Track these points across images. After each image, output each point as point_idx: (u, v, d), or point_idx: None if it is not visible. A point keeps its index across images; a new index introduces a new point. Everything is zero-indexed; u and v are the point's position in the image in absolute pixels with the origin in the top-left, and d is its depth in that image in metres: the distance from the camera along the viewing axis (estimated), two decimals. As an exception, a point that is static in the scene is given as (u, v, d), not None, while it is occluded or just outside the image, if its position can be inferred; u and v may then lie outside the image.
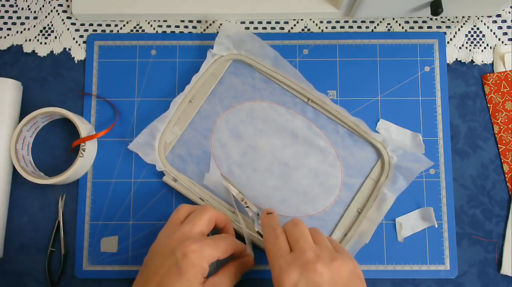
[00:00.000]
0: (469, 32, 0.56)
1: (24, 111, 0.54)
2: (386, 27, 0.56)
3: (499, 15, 0.56)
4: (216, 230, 0.47)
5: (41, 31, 0.56)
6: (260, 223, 0.47)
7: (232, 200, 0.51)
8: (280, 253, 0.39)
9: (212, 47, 0.54)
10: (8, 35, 0.56)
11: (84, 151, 0.50)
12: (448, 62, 0.55)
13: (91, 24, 0.56)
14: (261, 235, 0.47)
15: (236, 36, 0.53)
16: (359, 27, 0.56)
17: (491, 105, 0.55)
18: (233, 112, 0.53)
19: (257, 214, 0.50)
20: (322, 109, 0.53)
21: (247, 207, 0.50)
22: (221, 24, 0.56)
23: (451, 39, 0.56)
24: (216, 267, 0.43)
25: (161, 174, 0.53)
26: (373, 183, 0.52)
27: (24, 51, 0.56)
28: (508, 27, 0.56)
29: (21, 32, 0.56)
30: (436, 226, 0.52)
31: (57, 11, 0.57)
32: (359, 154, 0.53)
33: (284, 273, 0.37)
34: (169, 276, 0.39)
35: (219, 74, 0.54)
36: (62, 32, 0.56)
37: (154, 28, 0.56)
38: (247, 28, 0.56)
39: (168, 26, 0.56)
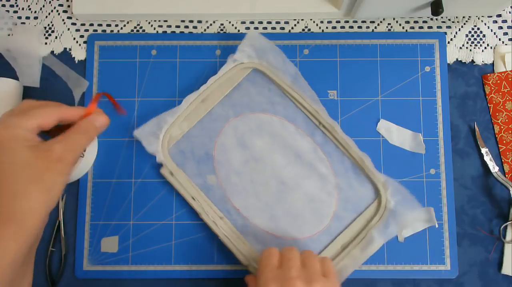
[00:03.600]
0: (470, 32, 0.56)
1: (24, 111, 0.54)
2: (387, 27, 0.56)
3: (499, 15, 0.56)
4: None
5: (41, 31, 0.56)
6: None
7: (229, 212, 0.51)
8: (269, 267, 0.43)
9: (234, 51, 0.53)
10: (8, 35, 0.56)
11: (84, 151, 0.50)
12: (448, 62, 0.55)
13: (91, 24, 0.56)
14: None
15: (259, 45, 0.53)
16: (359, 27, 0.56)
17: (492, 105, 0.55)
18: (243, 120, 0.53)
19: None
20: (331, 136, 0.52)
21: None
22: (221, 25, 0.56)
23: (451, 39, 0.56)
24: None
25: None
26: (365, 222, 0.51)
27: (25, 51, 0.56)
28: (509, 27, 0.56)
29: (22, 32, 0.56)
30: (437, 226, 0.52)
31: (57, 11, 0.57)
32: (358, 189, 0.52)
33: (267, 284, 0.41)
34: None
35: (237, 80, 0.54)
36: (63, 32, 0.56)
37: (154, 28, 0.56)
38: (248, 28, 0.56)
39: (169, 26, 0.56)
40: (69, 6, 0.57)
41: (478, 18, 0.56)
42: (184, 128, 0.53)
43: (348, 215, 0.51)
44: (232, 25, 0.56)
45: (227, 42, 0.56)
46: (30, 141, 0.38)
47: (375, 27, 0.56)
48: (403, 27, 0.56)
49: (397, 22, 0.56)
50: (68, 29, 0.56)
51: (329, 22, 0.56)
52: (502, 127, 0.54)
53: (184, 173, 0.52)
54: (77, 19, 0.56)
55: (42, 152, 0.37)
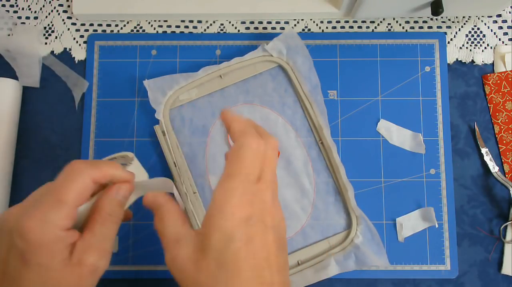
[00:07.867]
0: (470, 32, 0.56)
1: (24, 111, 0.54)
2: (387, 27, 0.56)
3: (499, 15, 0.56)
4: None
5: (41, 31, 0.56)
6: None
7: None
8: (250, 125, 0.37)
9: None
10: (8, 35, 0.56)
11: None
12: (448, 62, 0.55)
13: (91, 24, 0.56)
14: None
15: (293, 45, 0.53)
16: (359, 27, 0.56)
17: (492, 105, 0.55)
18: (250, 109, 0.53)
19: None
20: (326, 156, 0.52)
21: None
22: (221, 25, 0.56)
23: (451, 39, 0.56)
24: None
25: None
26: (328, 247, 0.50)
27: (25, 51, 0.56)
28: (509, 27, 0.56)
29: (22, 32, 0.56)
30: (437, 226, 0.52)
31: (57, 11, 0.57)
32: (332, 214, 0.51)
33: (246, 132, 0.35)
34: (13, 265, 0.32)
35: (259, 70, 0.54)
36: (63, 32, 0.56)
37: (154, 28, 0.56)
38: (247, 28, 0.56)
39: (169, 26, 0.56)
40: (69, 6, 0.57)
41: (478, 18, 0.56)
42: (192, 96, 0.53)
43: (314, 235, 0.51)
44: (232, 25, 0.56)
45: (227, 42, 0.56)
46: (63, 252, 0.33)
47: (375, 27, 0.56)
48: (403, 27, 0.56)
49: (397, 22, 0.56)
50: (68, 29, 0.56)
51: (329, 22, 0.56)
52: (502, 127, 0.54)
53: (175, 138, 0.52)
54: (77, 19, 0.56)
55: (75, 267, 0.33)
